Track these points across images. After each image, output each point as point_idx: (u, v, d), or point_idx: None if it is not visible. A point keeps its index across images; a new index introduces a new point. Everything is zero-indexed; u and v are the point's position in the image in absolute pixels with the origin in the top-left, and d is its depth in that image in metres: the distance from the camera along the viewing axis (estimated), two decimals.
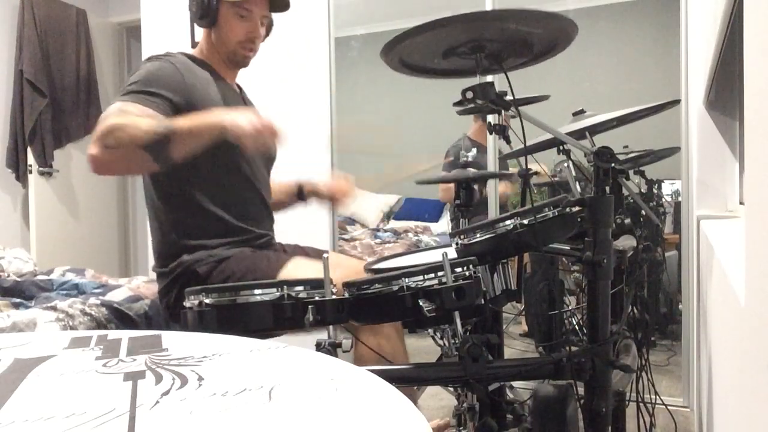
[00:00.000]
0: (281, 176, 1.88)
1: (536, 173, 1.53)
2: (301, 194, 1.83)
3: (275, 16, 1.66)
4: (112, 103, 1.42)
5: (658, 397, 1.49)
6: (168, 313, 1.58)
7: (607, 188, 1.11)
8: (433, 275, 0.97)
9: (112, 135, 1.29)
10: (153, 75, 1.46)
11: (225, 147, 1.52)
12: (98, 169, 1.34)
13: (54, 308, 1.78)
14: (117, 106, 1.39)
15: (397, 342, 1.46)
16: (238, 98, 1.69)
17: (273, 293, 1.00)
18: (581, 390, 1.13)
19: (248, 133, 1.27)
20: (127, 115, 1.34)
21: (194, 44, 2.78)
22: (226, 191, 1.56)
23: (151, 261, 1.62)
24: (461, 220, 1.63)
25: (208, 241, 1.54)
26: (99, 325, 1.79)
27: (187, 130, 1.29)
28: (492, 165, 2.65)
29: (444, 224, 3.98)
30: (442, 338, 1.12)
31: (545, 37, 1.13)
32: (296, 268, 1.49)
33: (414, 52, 1.16)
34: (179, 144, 1.30)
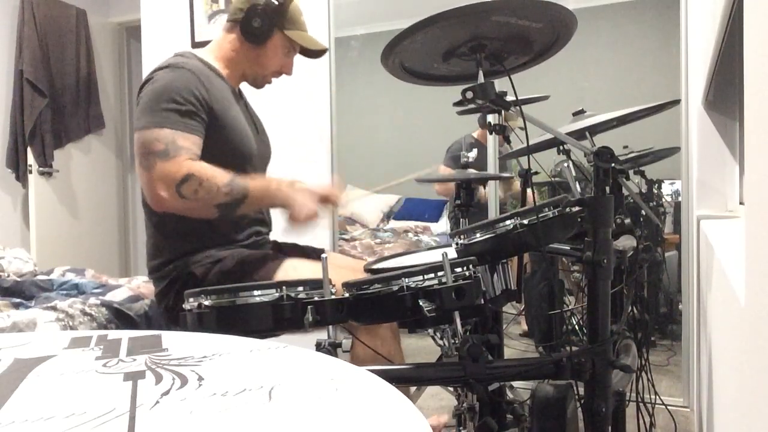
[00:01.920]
0: (280, 176, 1.88)
1: (536, 173, 1.54)
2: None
3: None
4: (141, 121, 1.41)
5: (658, 397, 1.49)
6: (167, 315, 1.57)
7: (607, 188, 1.11)
8: (433, 275, 0.97)
9: (190, 187, 1.37)
10: (178, 88, 1.45)
11: (225, 149, 1.53)
12: (161, 209, 1.42)
13: (54, 308, 1.78)
14: (167, 134, 1.39)
15: (393, 344, 1.46)
16: (242, 105, 1.69)
17: (272, 294, 1.00)
18: (581, 390, 1.13)
19: (298, 219, 1.43)
20: (198, 163, 1.39)
21: (194, 44, 2.80)
22: None
23: (149, 264, 1.61)
24: (461, 220, 1.63)
25: (204, 242, 1.54)
26: (99, 325, 1.79)
27: (258, 199, 1.43)
28: (492, 165, 2.66)
29: (444, 224, 3.98)
30: (442, 338, 1.12)
31: (545, 33, 1.13)
32: (293, 269, 1.49)
33: (414, 56, 1.16)
34: (247, 207, 1.44)
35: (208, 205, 1.39)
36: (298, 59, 1.68)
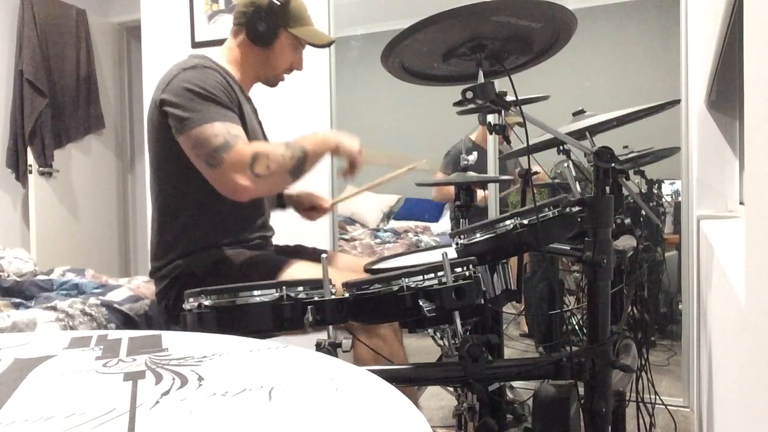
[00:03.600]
0: None
1: (536, 173, 1.54)
2: (281, 201, 1.84)
3: None
4: (183, 117, 1.42)
5: (658, 397, 1.49)
6: (167, 315, 1.57)
7: (607, 188, 1.11)
8: (433, 275, 0.97)
9: (262, 165, 1.40)
10: (213, 84, 1.46)
11: None
12: (246, 197, 1.45)
13: (54, 308, 1.78)
14: (220, 127, 1.41)
15: (395, 343, 1.46)
16: (252, 109, 1.70)
17: (272, 294, 1.00)
18: (581, 390, 1.13)
19: (353, 153, 1.54)
20: (254, 143, 1.45)
21: (194, 44, 2.80)
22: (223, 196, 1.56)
23: (151, 264, 1.62)
24: (461, 220, 1.63)
25: (205, 243, 1.54)
26: (99, 325, 1.79)
27: (314, 152, 1.48)
28: (492, 166, 2.66)
29: (444, 224, 3.98)
30: (442, 338, 1.12)
31: (545, 32, 1.13)
32: (298, 270, 1.49)
33: (414, 56, 1.16)
34: (310, 163, 1.48)
35: (282, 174, 1.44)
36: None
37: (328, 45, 1.69)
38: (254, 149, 1.42)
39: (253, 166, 1.39)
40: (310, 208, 1.84)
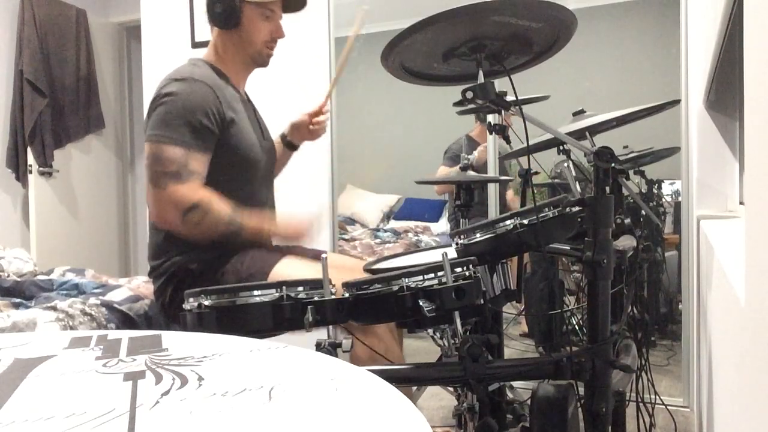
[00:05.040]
0: (281, 177, 1.88)
1: (536, 173, 1.54)
2: (289, 144, 1.84)
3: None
4: (156, 132, 1.45)
5: (658, 397, 1.49)
6: (165, 312, 1.58)
7: (607, 188, 1.11)
8: (433, 275, 0.97)
9: (196, 216, 1.44)
10: (195, 103, 1.47)
11: (233, 157, 1.53)
12: (162, 227, 1.52)
13: (54, 308, 1.78)
14: (180, 154, 1.43)
15: (393, 345, 1.46)
16: (250, 110, 1.70)
17: (272, 294, 1.00)
18: (581, 390, 1.13)
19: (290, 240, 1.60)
20: (206, 195, 1.46)
21: (194, 44, 2.80)
22: (228, 196, 1.56)
23: (149, 261, 1.62)
24: (461, 220, 1.63)
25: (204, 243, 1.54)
26: (99, 325, 1.79)
27: (251, 237, 1.51)
28: (492, 165, 2.65)
29: (444, 224, 3.98)
30: (442, 338, 1.12)
31: (545, 33, 1.13)
32: (288, 267, 1.49)
33: (414, 56, 1.16)
34: (245, 237, 1.51)
35: (206, 234, 1.47)
36: (298, 59, 1.68)
37: (302, 3, 1.66)
38: (201, 199, 1.44)
39: (188, 213, 1.43)
40: (312, 124, 1.81)
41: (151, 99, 1.52)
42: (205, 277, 1.50)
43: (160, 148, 1.44)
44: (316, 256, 1.59)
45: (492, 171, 2.65)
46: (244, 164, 1.57)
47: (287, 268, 1.48)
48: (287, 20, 1.68)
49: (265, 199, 1.68)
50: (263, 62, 1.67)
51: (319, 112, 1.81)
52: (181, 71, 1.54)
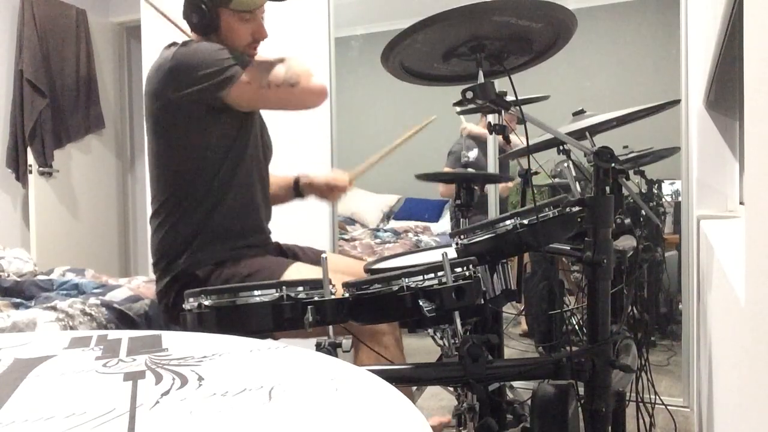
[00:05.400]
0: (281, 175, 1.88)
1: (536, 173, 1.53)
2: (297, 189, 1.83)
3: (276, 16, 1.65)
4: (224, 74, 1.47)
5: (658, 397, 1.49)
6: (167, 314, 1.58)
7: (607, 188, 1.11)
8: (433, 275, 0.97)
9: (291, 71, 1.52)
10: (209, 49, 1.49)
11: (232, 153, 1.53)
12: (317, 102, 1.59)
13: (54, 308, 1.78)
14: (254, 70, 1.49)
15: (396, 352, 1.46)
16: None
17: (272, 294, 1.00)
18: (581, 390, 1.13)
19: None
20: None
21: None
22: (229, 194, 1.56)
23: (151, 261, 1.62)
24: (461, 220, 1.63)
25: (208, 243, 1.54)
26: (99, 325, 1.79)
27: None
28: (492, 165, 2.65)
29: (444, 224, 3.98)
30: (442, 338, 1.12)
31: (545, 33, 1.13)
32: (298, 273, 1.49)
33: (414, 56, 1.16)
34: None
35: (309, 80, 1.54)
36: (298, 55, 1.67)
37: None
38: (282, 62, 1.52)
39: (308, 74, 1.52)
40: (328, 190, 1.82)
41: (164, 79, 1.49)
42: (211, 281, 1.50)
43: (253, 73, 1.48)
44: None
45: (492, 170, 2.65)
46: (244, 154, 1.56)
47: (297, 275, 1.47)
48: (287, 20, 1.67)
49: (262, 197, 1.68)
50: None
51: (343, 189, 1.81)
52: (170, 47, 1.54)
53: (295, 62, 1.55)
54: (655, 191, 2.79)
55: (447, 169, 3.09)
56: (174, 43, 1.56)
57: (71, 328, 1.71)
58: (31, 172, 3.77)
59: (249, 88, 1.48)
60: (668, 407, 1.67)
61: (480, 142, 2.92)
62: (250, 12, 1.56)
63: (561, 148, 1.44)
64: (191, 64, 1.46)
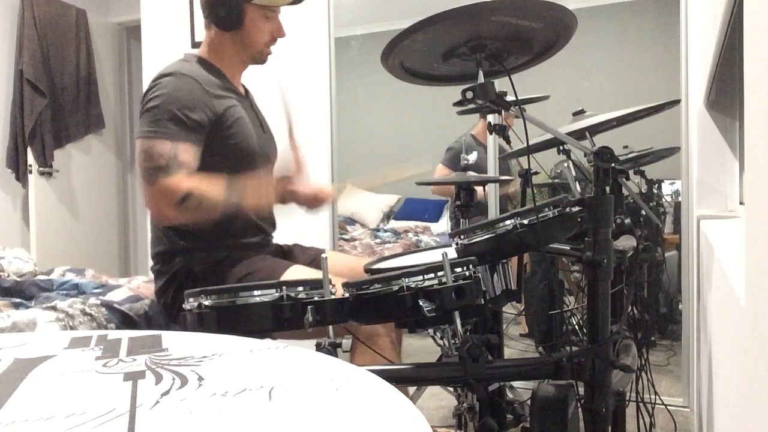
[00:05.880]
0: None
1: (536, 173, 1.53)
2: (281, 196, 1.83)
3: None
4: (145, 129, 1.45)
5: (658, 397, 1.49)
6: (166, 312, 1.58)
7: (607, 188, 1.11)
8: (433, 275, 0.97)
9: (191, 205, 1.42)
10: (181, 97, 1.47)
11: (228, 149, 1.53)
12: (162, 223, 1.53)
13: (54, 308, 1.77)
14: (169, 148, 1.43)
15: (392, 355, 1.45)
16: (247, 104, 1.69)
17: (272, 294, 1.00)
18: (581, 390, 1.13)
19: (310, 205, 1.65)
20: (196, 182, 1.44)
21: (194, 44, 2.80)
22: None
23: (151, 261, 1.62)
24: (461, 220, 1.63)
25: (206, 241, 1.54)
26: (99, 325, 1.79)
27: (252, 207, 1.54)
28: (492, 165, 2.65)
29: (444, 224, 3.98)
30: (442, 338, 1.12)
31: (545, 33, 1.13)
32: (297, 274, 1.48)
33: (414, 56, 1.16)
34: (243, 214, 1.54)
35: (207, 219, 1.47)
36: (298, 59, 1.68)
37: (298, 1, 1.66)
38: (191, 187, 1.42)
39: (182, 203, 1.42)
40: (313, 201, 1.82)
41: (143, 94, 1.53)
42: (209, 280, 1.50)
43: (148, 144, 1.44)
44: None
45: (492, 171, 2.65)
46: (240, 155, 1.57)
47: (297, 276, 1.47)
48: (287, 20, 1.68)
49: (264, 193, 1.68)
50: (262, 61, 1.67)
51: (324, 200, 1.78)
52: (169, 67, 1.55)
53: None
54: (655, 191, 2.79)
55: (441, 166, 3.08)
56: (184, 59, 1.60)
57: (71, 328, 1.71)
58: (31, 172, 3.77)
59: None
60: (668, 407, 1.67)
61: (481, 144, 2.92)
62: (273, 10, 1.59)
63: (561, 148, 1.44)
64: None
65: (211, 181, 1.46)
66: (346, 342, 0.99)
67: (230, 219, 1.52)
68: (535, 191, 1.20)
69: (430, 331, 1.11)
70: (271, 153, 1.74)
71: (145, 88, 1.56)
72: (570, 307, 2.44)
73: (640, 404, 1.43)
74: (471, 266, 1.00)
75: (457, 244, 1.15)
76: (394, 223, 4.11)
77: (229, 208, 1.46)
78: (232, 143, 1.54)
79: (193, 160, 1.47)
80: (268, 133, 1.73)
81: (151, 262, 1.63)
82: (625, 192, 1.39)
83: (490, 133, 2.34)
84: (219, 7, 1.56)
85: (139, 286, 2.11)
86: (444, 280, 0.96)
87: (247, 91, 1.74)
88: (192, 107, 1.47)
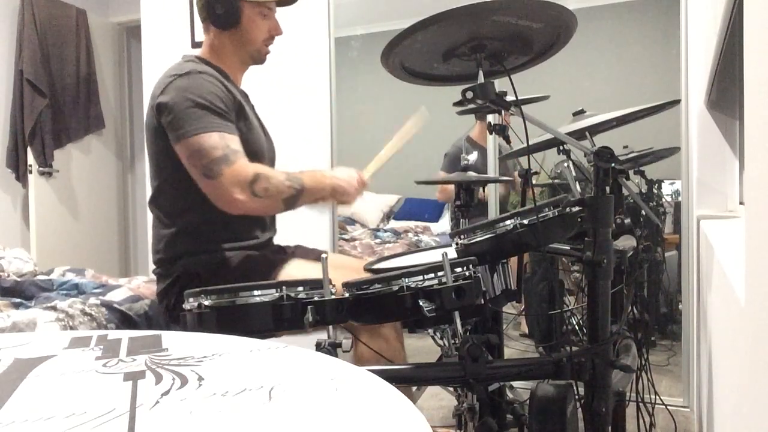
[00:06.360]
0: None
1: (536, 173, 1.53)
2: None
3: (277, 16, 1.66)
4: (185, 129, 1.43)
5: (658, 397, 1.49)
6: (168, 314, 1.58)
7: (607, 188, 1.11)
8: (433, 275, 0.97)
9: (261, 186, 1.44)
10: (209, 90, 1.47)
11: (244, 149, 1.53)
12: (239, 211, 1.48)
13: (54, 308, 1.78)
14: (218, 138, 1.43)
15: (397, 344, 1.46)
16: (249, 103, 1.70)
17: (272, 294, 1.00)
18: (581, 390, 1.13)
19: (351, 195, 1.55)
20: (258, 165, 1.48)
21: (194, 44, 2.80)
22: None
23: (151, 261, 1.62)
24: (461, 220, 1.63)
25: (209, 243, 1.54)
26: (99, 325, 1.79)
27: (312, 190, 1.51)
28: (492, 166, 2.65)
29: (444, 224, 3.98)
30: (442, 338, 1.12)
31: (545, 33, 1.13)
32: (295, 269, 1.49)
33: (414, 56, 1.16)
34: (304, 199, 1.51)
35: (277, 200, 1.47)
36: (298, 59, 1.68)
37: (288, 2, 1.67)
38: (256, 169, 1.45)
39: (254, 185, 1.43)
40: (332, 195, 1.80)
41: (155, 103, 1.50)
42: (212, 281, 1.49)
43: (196, 142, 1.43)
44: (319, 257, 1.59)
45: (492, 171, 2.65)
46: (252, 157, 1.57)
47: (295, 271, 1.48)
48: (287, 20, 1.68)
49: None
50: (261, 60, 1.67)
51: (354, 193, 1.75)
52: (180, 68, 1.54)
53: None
54: (655, 191, 2.79)
55: (443, 173, 3.08)
56: (188, 59, 1.59)
57: (71, 328, 1.71)
58: (31, 172, 3.77)
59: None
60: (668, 407, 1.67)
61: (478, 147, 2.92)
62: (269, 8, 1.60)
63: (561, 148, 1.44)
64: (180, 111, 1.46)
65: (268, 167, 1.48)
66: (346, 342, 0.99)
67: (290, 209, 1.52)
68: (535, 191, 1.19)
69: (430, 331, 1.11)
70: (273, 156, 1.74)
71: (145, 87, 1.56)
72: (570, 307, 2.44)
73: (640, 404, 1.43)
74: (471, 266, 1.00)
75: (457, 244, 1.15)
76: (394, 223, 4.11)
77: (293, 188, 1.47)
78: (245, 142, 1.54)
79: (242, 147, 1.48)
80: (267, 137, 1.74)
81: (152, 264, 1.63)
82: (625, 192, 1.39)
83: (491, 133, 2.34)
84: (217, 5, 1.56)
85: (139, 286, 2.11)
86: (444, 280, 0.96)
87: (247, 95, 1.74)
88: (219, 99, 1.48)
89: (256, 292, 1.00)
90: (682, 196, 2.37)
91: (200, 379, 0.57)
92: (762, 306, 0.55)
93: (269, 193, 1.44)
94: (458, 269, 0.98)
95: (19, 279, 2.25)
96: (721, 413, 1.16)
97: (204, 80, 1.49)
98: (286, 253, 1.70)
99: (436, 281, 0.97)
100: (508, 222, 1.10)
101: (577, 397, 1.14)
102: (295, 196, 1.48)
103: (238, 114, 1.54)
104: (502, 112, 1.15)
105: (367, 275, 1.11)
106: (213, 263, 1.52)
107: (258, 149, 1.58)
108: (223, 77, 1.59)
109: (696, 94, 2.12)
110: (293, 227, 1.91)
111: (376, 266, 1.34)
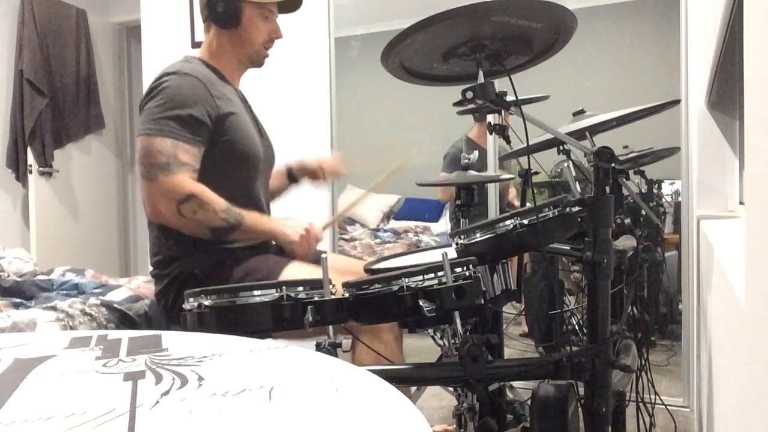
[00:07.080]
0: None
1: (536, 173, 1.53)
2: (291, 176, 1.84)
3: (277, 17, 1.66)
4: (146, 126, 1.44)
5: (658, 397, 1.49)
6: (167, 315, 1.57)
7: (607, 188, 1.11)
8: (433, 275, 0.97)
9: (190, 208, 1.42)
10: (184, 96, 1.47)
11: (233, 154, 1.53)
12: (157, 220, 1.49)
13: (54, 308, 1.77)
14: (170, 146, 1.42)
15: (395, 349, 1.45)
16: (247, 108, 1.69)
17: (272, 294, 1.00)
18: (581, 390, 1.13)
19: (296, 244, 1.49)
20: (199, 186, 1.44)
21: (194, 44, 2.80)
22: (226, 194, 1.56)
23: (150, 261, 1.62)
24: (461, 220, 1.63)
25: (206, 244, 1.54)
26: (99, 325, 1.79)
27: (250, 229, 1.48)
28: (492, 165, 2.65)
29: (444, 224, 3.98)
30: (442, 338, 1.12)
31: (545, 32, 1.13)
32: (297, 271, 1.48)
33: (414, 56, 1.16)
34: (239, 235, 1.49)
35: (203, 226, 1.45)
36: (298, 59, 1.68)
37: (298, 4, 1.67)
38: (194, 190, 1.42)
39: (182, 204, 1.41)
40: (320, 172, 1.82)
41: (144, 93, 1.53)
42: (209, 281, 1.49)
43: (148, 141, 1.43)
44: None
45: (492, 171, 2.65)
46: (243, 160, 1.57)
47: (297, 273, 1.47)
48: (287, 19, 1.68)
49: (263, 201, 1.68)
50: (259, 62, 1.67)
51: (335, 172, 1.82)
52: (172, 66, 1.55)
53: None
54: (655, 191, 2.79)
55: (444, 174, 3.08)
56: (186, 60, 1.60)
57: (71, 328, 1.71)
58: (31, 172, 3.77)
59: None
60: (668, 407, 1.67)
61: (476, 146, 2.92)
62: (270, 11, 1.60)
63: (561, 148, 1.44)
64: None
65: (213, 193, 1.45)
66: (346, 342, 0.99)
67: (217, 239, 1.51)
68: (535, 191, 1.20)
69: (430, 331, 1.11)
70: (271, 158, 1.74)
71: (145, 87, 1.56)
72: (570, 307, 2.44)
73: (640, 404, 1.43)
74: (471, 266, 1.00)
75: (457, 244, 1.15)
76: (394, 223, 4.11)
77: (227, 221, 1.45)
78: (236, 146, 1.54)
79: (194, 163, 1.47)
80: (266, 138, 1.73)
81: (150, 263, 1.63)
82: (625, 192, 1.39)
83: (491, 133, 2.35)
84: (219, 4, 1.57)
85: (139, 286, 2.11)
86: (444, 280, 0.96)
87: (244, 97, 1.74)
88: (195, 105, 1.47)
89: (256, 292, 1.00)
90: (682, 196, 2.37)
91: (200, 379, 0.57)
92: (762, 306, 0.55)
93: (197, 216, 1.42)
94: (458, 269, 0.98)
95: (19, 279, 2.25)
96: (721, 413, 1.16)
97: (184, 83, 1.49)
98: (284, 253, 1.70)
99: (436, 281, 0.97)
100: (508, 222, 1.10)
101: (577, 397, 1.14)
102: (227, 229, 1.46)
103: (223, 118, 1.52)
104: (502, 112, 1.15)
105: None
106: (210, 263, 1.52)
107: (250, 151, 1.58)
108: (217, 77, 1.59)
109: (696, 94, 2.12)
110: None
111: (375, 266, 1.34)
